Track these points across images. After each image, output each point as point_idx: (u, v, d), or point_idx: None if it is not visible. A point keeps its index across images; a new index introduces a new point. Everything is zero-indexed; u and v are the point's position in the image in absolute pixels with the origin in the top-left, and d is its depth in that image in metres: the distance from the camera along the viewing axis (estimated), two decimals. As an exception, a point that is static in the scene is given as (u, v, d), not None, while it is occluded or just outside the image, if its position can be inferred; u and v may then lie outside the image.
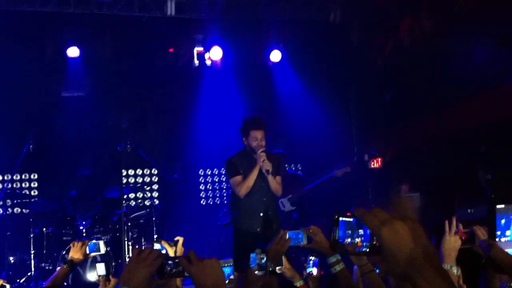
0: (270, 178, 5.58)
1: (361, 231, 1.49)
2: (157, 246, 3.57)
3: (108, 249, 6.46)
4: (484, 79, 7.42)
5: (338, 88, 9.67)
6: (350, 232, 1.52)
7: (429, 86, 8.01)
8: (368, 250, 1.48)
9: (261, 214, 5.68)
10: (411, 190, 7.21)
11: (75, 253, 3.86)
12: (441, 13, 8.45)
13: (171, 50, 9.64)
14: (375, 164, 7.50)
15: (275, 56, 9.36)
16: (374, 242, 1.45)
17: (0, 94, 8.35)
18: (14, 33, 8.48)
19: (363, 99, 9.42)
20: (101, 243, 3.97)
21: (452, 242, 2.92)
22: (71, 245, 3.93)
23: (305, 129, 9.29)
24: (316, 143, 9.16)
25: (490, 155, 7.19)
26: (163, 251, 3.48)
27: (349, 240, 1.52)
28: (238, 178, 5.60)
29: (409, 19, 8.88)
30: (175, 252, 3.53)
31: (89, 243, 3.92)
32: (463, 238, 2.98)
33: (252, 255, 2.73)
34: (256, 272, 2.67)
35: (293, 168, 9.27)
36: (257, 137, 5.54)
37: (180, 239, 3.59)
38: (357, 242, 1.51)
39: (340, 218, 1.54)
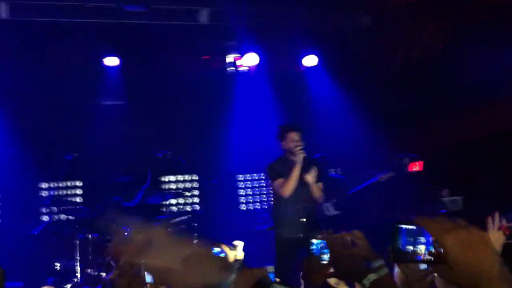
0: (313, 186, 5.60)
1: (423, 239, 1.47)
2: (216, 249, 3.59)
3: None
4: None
5: (374, 91, 9.66)
6: (411, 239, 1.49)
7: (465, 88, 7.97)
8: (431, 258, 1.44)
9: (302, 221, 5.70)
10: (453, 194, 7.19)
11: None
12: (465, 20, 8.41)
13: (205, 57, 9.73)
14: (416, 167, 7.50)
15: (310, 60, 9.38)
16: (437, 251, 1.42)
17: (45, 104, 8.57)
18: (52, 44, 8.67)
19: (399, 101, 9.40)
20: None
21: (496, 237, 2.90)
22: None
23: (342, 133, 9.30)
24: (353, 146, 9.18)
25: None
26: (222, 255, 3.49)
27: (411, 247, 1.49)
28: (280, 180, 5.62)
29: (434, 27, 8.86)
30: (235, 256, 3.55)
31: None
32: (506, 233, 2.95)
33: (316, 242, 2.63)
34: (321, 260, 2.56)
35: (333, 172, 9.28)
36: (294, 138, 5.60)
37: (240, 244, 3.60)
38: (419, 250, 1.48)
39: (402, 226, 1.52)
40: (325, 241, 2.62)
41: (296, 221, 5.71)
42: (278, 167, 5.72)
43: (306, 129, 9.40)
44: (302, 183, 5.62)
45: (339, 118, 9.50)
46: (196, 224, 7.48)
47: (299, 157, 5.50)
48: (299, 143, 5.60)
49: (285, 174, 5.62)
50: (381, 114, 9.44)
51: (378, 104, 9.57)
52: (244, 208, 10.02)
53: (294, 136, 5.63)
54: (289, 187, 5.54)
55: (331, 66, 9.47)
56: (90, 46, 9.02)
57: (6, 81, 8.62)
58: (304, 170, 5.65)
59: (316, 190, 5.71)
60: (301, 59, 9.42)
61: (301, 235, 5.64)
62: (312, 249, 2.67)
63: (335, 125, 9.44)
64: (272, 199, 5.92)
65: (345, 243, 2.44)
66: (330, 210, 7.17)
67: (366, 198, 7.25)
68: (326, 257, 2.61)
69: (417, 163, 7.43)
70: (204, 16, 9.15)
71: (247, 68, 9.30)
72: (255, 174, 10.21)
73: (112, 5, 8.61)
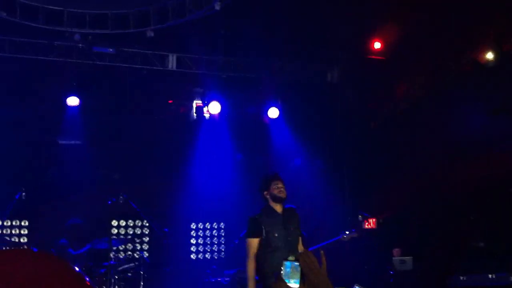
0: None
1: None
2: None
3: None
4: (478, 145, 7.48)
5: (333, 147, 9.72)
6: None
7: (423, 150, 8.08)
8: None
9: None
10: (404, 254, 7.14)
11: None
12: (436, 79, 8.61)
13: (170, 101, 9.76)
14: (369, 225, 7.45)
15: (273, 113, 9.45)
16: None
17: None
18: (15, 79, 8.60)
19: (358, 159, 9.45)
20: None
21: None
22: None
23: (302, 187, 9.26)
24: (310, 201, 9.11)
25: (482, 222, 7.17)
26: None
27: None
28: (256, 241, 5.41)
29: (405, 84, 9.05)
30: None
31: None
32: None
33: (286, 264, 2.54)
34: (289, 284, 2.49)
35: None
36: (278, 185, 5.56)
37: None
38: None
39: None
40: (295, 264, 2.62)
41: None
42: (262, 221, 5.51)
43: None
44: (287, 232, 5.49)
45: (303, 172, 9.47)
46: (142, 272, 7.25)
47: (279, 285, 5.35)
48: (284, 191, 5.55)
49: (269, 227, 5.44)
50: (341, 171, 9.47)
51: (337, 160, 9.61)
52: (195, 257, 9.81)
53: (278, 183, 5.61)
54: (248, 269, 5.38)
55: (294, 119, 9.54)
56: (55, 84, 8.98)
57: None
58: (288, 219, 5.56)
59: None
60: (266, 111, 9.50)
61: None
62: (283, 273, 2.63)
63: (299, 179, 9.39)
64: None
65: (314, 261, 2.49)
66: None
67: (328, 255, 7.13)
68: (293, 281, 2.60)
69: (370, 221, 7.39)
70: (171, 62, 9.22)
71: (208, 115, 9.32)
72: (208, 223, 10.05)
73: (81, 45, 8.66)
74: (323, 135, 9.63)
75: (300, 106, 9.67)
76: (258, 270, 5.60)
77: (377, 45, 8.77)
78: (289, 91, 9.54)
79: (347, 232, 7.03)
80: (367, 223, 7.45)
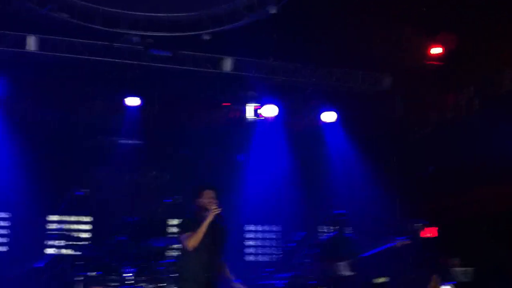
0: None
1: None
2: None
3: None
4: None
5: (386, 153, 9.67)
6: None
7: (475, 162, 7.94)
8: None
9: (207, 276, 5.55)
10: (464, 265, 7.06)
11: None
12: (486, 92, 8.46)
13: (225, 104, 9.86)
14: (430, 234, 7.38)
15: (329, 116, 9.44)
16: None
17: (62, 137, 8.64)
18: (76, 79, 8.82)
19: (410, 168, 9.37)
20: None
21: None
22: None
23: (356, 192, 9.24)
24: (366, 207, 9.09)
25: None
26: None
27: None
28: (188, 233, 5.36)
29: (454, 95, 8.93)
30: None
31: None
32: None
33: None
34: None
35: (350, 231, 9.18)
36: (210, 195, 5.55)
37: None
38: None
39: None
40: None
41: (201, 276, 5.53)
42: (191, 222, 5.48)
43: (318, 184, 9.40)
44: (211, 236, 5.41)
45: (354, 177, 9.45)
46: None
47: (212, 213, 5.39)
48: (214, 200, 5.55)
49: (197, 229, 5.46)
50: (399, 177, 9.40)
51: (396, 166, 9.54)
52: (252, 259, 9.86)
53: (210, 193, 5.58)
54: (195, 240, 5.33)
55: (349, 124, 9.53)
56: (114, 85, 9.17)
57: (25, 112, 8.73)
58: (215, 228, 5.43)
59: None
60: (320, 115, 9.51)
61: None
62: None
63: (350, 184, 9.38)
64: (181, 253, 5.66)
65: None
66: (346, 270, 7.01)
67: (381, 262, 7.10)
68: None
69: (431, 230, 7.32)
70: (227, 65, 9.30)
71: (264, 118, 9.39)
72: (260, 226, 10.11)
73: (138, 47, 8.81)
74: (375, 141, 9.58)
75: (351, 112, 9.65)
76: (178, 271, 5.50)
77: (437, 50, 8.62)
78: (345, 97, 9.52)
79: (400, 239, 7.00)
80: (427, 232, 7.37)
